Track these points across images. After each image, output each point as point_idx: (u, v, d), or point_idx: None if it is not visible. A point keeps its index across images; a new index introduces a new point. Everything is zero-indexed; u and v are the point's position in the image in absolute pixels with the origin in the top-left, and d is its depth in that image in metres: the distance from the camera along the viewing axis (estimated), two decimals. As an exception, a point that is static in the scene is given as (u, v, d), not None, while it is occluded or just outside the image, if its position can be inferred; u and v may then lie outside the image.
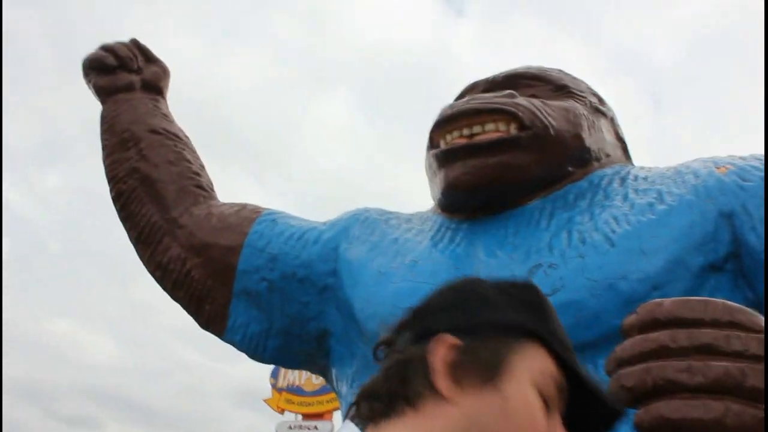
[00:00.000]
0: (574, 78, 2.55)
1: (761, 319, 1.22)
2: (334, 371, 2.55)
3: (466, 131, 2.25)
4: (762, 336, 1.18)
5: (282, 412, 17.54)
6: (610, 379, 1.30)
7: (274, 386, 17.74)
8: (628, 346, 1.27)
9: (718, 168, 2.05)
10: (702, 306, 1.23)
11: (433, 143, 2.37)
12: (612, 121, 2.53)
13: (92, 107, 3.08)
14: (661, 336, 1.23)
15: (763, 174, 1.95)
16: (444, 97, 2.60)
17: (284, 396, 17.54)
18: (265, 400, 17.91)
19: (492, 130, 2.21)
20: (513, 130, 2.20)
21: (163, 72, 3.16)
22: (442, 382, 0.95)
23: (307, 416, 17.27)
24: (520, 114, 2.20)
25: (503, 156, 2.17)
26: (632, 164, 2.47)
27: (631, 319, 1.32)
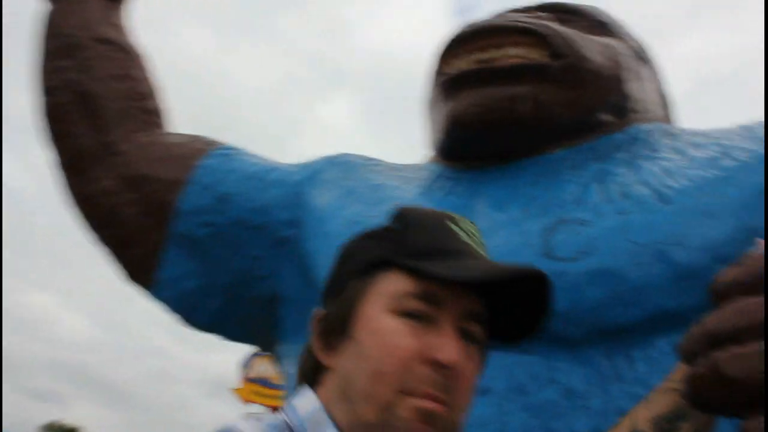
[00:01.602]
0: (616, 19, 2.08)
1: None
2: (283, 346, 2.05)
3: (480, 55, 1.76)
4: None
5: (249, 403, 16.98)
6: (690, 370, 0.83)
7: (244, 376, 17.19)
8: (731, 312, 0.79)
9: (802, 123, 1.58)
10: None
11: (440, 70, 1.88)
12: (656, 75, 2.07)
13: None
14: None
15: None
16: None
17: (253, 387, 16.98)
18: (233, 390, 17.34)
19: (515, 56, 1.73)
20: (540, 57, 1.73)
21: None
22: (321, 355, 0.96)
23: (274, 409, 16.71)
24: (551, 38, 1.72)
25: (526, 87, 1.69)
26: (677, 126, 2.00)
27: (730, 272, 0.84)
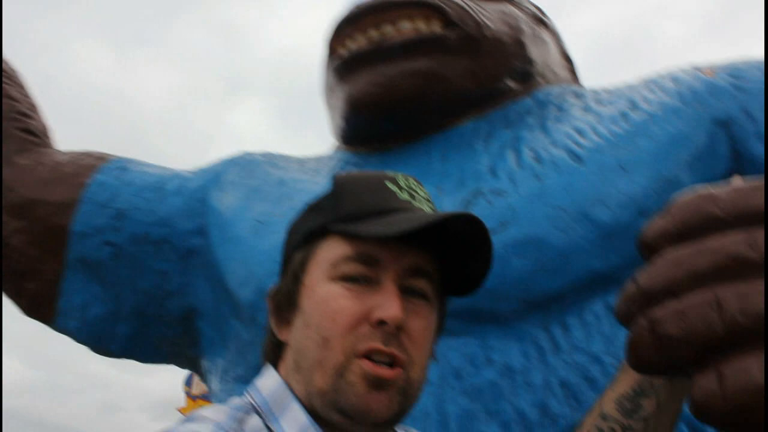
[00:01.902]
0: (509, -15, 2.04)
1: None
2: (204, 363, 1.92)
3: (373, 33, 1.68)
4: None
5: (197, 420, 16.49)
6: (630, 331, 0.77)
7: (188, 394, 16.69)
8: (662, 266, 0.73)
9: (702, 71, 1.57)
10: (786, 189, 0.71)
11: (332, 55, 1.79)
12: (556, 36, 2.03)
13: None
14: (728, 241, 0.69)
15: (763, 73, 1.49)
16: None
17: (198, 403, 16.52)
18: (179, 410, 16.83)
19: (408, 29, 1.66)
20: (436, 28, 1.66)
21: None
22: (277, 331, 0.96)
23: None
24: (444, 7, 1.65)
25: (423, 60, 1.61)
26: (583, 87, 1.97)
27: (657, 224, 0.78)
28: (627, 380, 0.93)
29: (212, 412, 0.86)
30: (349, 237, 0.89)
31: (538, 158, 1.41)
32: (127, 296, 1.91)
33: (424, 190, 0.99)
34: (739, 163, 1.41)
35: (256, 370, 1.66)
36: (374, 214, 0.90)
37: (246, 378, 1.66)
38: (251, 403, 0.89)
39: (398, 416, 0.86)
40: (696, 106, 1.46)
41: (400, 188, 0.94)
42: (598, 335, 1.29)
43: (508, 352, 1.27)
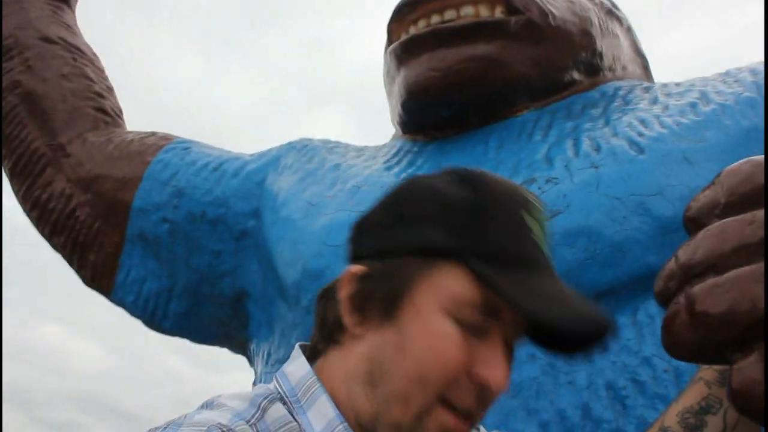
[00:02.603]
0: (583, -23, 1.96)
1: None
2: (252, 346, 1.92)
3: (435, 18, 1.64)
4: None
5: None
6: (668, 311, 0.70)
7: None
8: (706, 238, 0.66)
9: (785, 65, 1.46)
10: None
11: (392, 39, 1.76)
12: (629, 31, 1.94)
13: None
14: (781, 212, 0.62)
15: None
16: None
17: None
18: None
19: (471, 15, 1.61)
20: (499, 13, 1.61)
21: None
22: (347, 318, 0.85)
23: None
24: None
25: (484, 46, 1.57)
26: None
27: (705, 195, 0.71)
28: (695, 393, 0.84)
29: (234, 398, 0.82)
30: (485, 283, 0.78)
31: (597, 147, 1.34)
32: (182, 274, 1.94)
33: (546, 224, 0.87)
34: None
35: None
36: (516, 263, 0.79)
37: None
38: (278, 391, 0.84)
39: None
40: (776, 99, 1.35)
41: (534, 220, 0.83)
42: (650, 337, 1.20)
43: (552, 348, 1.20)
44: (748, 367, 0.59)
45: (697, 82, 1.54)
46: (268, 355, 1.74)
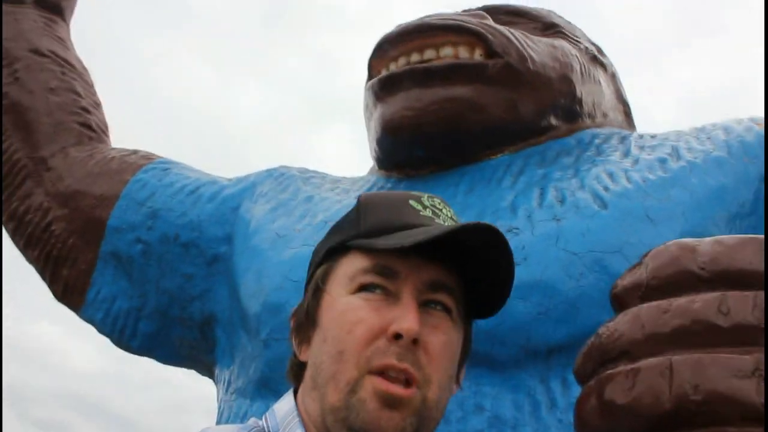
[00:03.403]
0: (569, 21, 1.96)
1: None
2: (216, 371, 1.91)
3: (415, 57, 1.64)
4: None
5: None
6: (581, 390, 0.68)
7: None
8: (624, 322, 0.65)
9: (757, 124, 1.45)
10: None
11: (372, 75, 1.76)
12: (613, 78, 1.94)
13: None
14: (698, 303, 0.61)
15: None
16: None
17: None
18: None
19: (449, 56, 1.61)
20: (478, 56, 1.60)
21: None
22: (297, 351, 0.94)
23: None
24: (489, 36, 1.60)
25: (461, 88, 1.56)
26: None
27: (631, 274, 0.70)
28: None
29: (221, 430, 0.92)
30: (368, 251, 0.88)
31: (562, 199, 1.33)
32: (152, 295, 1.93)
33: (451, 210, 0.96)
34: (788, 227, 1.29)
35: (254, 384, 1.64)
36: (394, 230, 0.88)
37: (244, 391, 1.63)
38: (262, 425, 0.88)
39: None
40: (744, 159, 1.35)
41: (424, 206, 0.93)
42: (602, 395, 1.18)
43: (500, 402, 1.19)
44: None
45: (672, 136, 1.53)
46: (228, 383, 1.73)
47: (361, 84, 1.86)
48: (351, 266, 0.90)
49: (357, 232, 0.92)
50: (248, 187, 1.94)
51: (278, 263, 1.55)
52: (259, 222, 1.75)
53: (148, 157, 2.12)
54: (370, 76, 1.76)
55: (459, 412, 1.20)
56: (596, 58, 1.89)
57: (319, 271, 0.94)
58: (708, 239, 0.66)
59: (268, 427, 0.88)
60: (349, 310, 0.86)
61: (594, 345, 0.67)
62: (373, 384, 0.80)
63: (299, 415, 0.87)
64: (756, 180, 1.32)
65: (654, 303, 0.63)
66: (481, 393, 1.21)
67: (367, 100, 1.76)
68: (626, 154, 1.48)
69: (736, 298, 0.59)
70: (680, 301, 0.62)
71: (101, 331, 2.01)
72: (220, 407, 1.77)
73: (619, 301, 0.69)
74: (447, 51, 1.61)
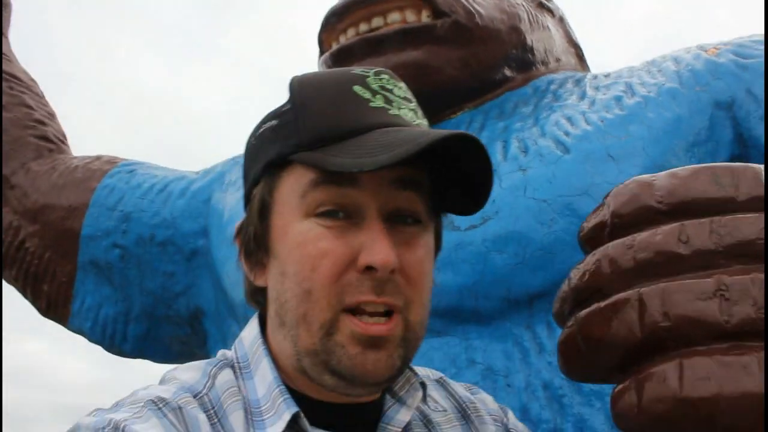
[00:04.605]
0: (512, -29, 1.97)
1: None
2: (212, 363, 1.93)
3: (363, 26, 1.64)
4: None
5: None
6: (562, 331, 0.72)
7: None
8: (592, 263, 0.68)
9: (705, 51, 1.48)
10: (728, 176, 0.64)
11: (323, 50, 1.76)
12: (561, 21, 1.95)
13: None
14: (659, 235, 0.64)
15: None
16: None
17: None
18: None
19: (397, 21, 1.61)
20: (426, 18, 1.61)
21: (3, 5, 2.49)
22: (251, 276, 0.85)
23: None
24: None
25: (413, 52, 1.57)
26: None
27: (596, 215, 0.72)
28: None
29: (188, 369, 0.81)
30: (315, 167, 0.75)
31: (525, 149, 1.35)
32: (136, 297, 1.94)
33: (403, 88, 0.84)
34: (744, 148, 1.32)
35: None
36: (344, 136, 0.75)
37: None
38: (231, 357, 0.83)
39: (402, 369, 0.76)
40: (696, 87, 1.37)
41: (373, 92, 0.79)
42: (586, 333, 1.22)
43: (490, 353, 1.22)
44: (626, 391, 0.61)
45: (624, 73, 1.55)
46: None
47: (314, 56, 1.86)
48: (297, 182, 0.77)
49: (298, 140, 0.77)
50: (216, 177, 1.94)
51: None
52: (233, 211, 1.76)
53: (112, 162, 2.11)
54: (322, 51, 1.76)
55: (453, 368, 1.23)
56: (542, 4, 1.90)
57: (260, 191, 0.81)
58: (664, 173, 0.69)
59: (237, 357, 0.82)
60: (309, 241, 0.75)
61: (567, 288, 0.70)
62: (350, 326, 0.73)
63: (264, 343, 0.81)
64: (709, 106, 1.35)
65: (619, 240, 0.66)
66: (471, 347, 1.24)
67: None
68: (582, 96, 1.50)
69: (693, 226, 0.62)
70: (643, 236, 0.64)
71: (91, 339, 2.02)
72: None
73: (587, 243, 0.72)
74: (394, 16, 1.61)
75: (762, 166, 0.67)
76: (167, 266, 1.89)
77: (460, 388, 0.95)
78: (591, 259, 0.68)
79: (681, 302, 0.59)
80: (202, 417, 0.74)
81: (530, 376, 1.19)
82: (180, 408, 0.73)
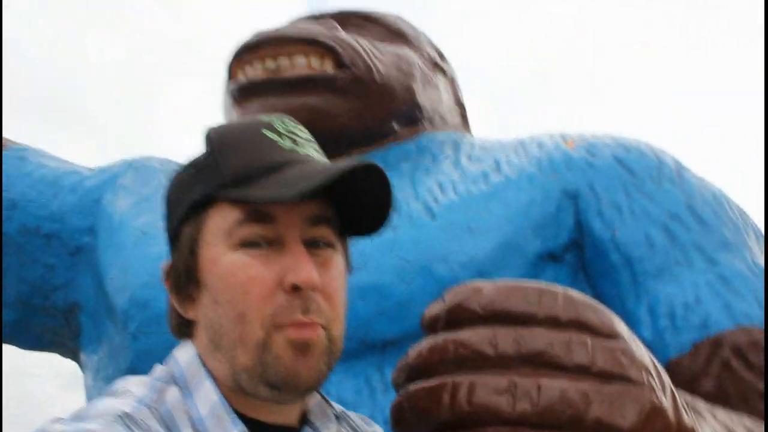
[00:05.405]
0: (415, 27, 2.15)
1: (616, 319, 0.84)
2: (83, 357, 1.99)
3: (270, 64, 1.78)
4: (616, 344, 0.80)
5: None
6: (396, 397, 0.89)
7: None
8: (425, 348, 0.86)
9: (566, 141, 1.71)
10: (536, 295, 0.84)
11: (230, 76, 1.88)
12: (452, 82, 2.16)
13: None
14: (475, 336, 0.82)
15: (614, 152, 1.64)
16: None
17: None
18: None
19: (302, 66, 1.76)
20: (328, 68, 1.76)
21: None
22: (181, 309, 0.92)
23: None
24: (338, 49, 1.76)
25: (312, 97, 1.72)
26: (471, 134, 2.10)
27: (434, 307, 0.90)
28: None
29: (134, 383, 0.87)
30: (237, 201, 0.85)
31: (398, 209, 1.53)
32: (12, 285, 1.96)
33: (304, 131, 0.96)
34: (581, 234, 1.56)
35: (124, 373, 1.74)
36: (262, 173, 0.85)
37: (114, 379, 1.73)
38: (173, 374, 0.88)
39: (325, 377, 0.88)
40: (551, 175, 1.60)
41: (280, 135, 0.90)
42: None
43: (343, 387, 1.39)
44: None
45: (496, 148, 1.76)
46: (97, 370, 1.82)
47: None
48: (223, 219, 0.87)
49: (221, 180, 0.87)
50: (109, 179, 2.00)
51: (143, 260, 1.65)
52: (123, 217, 1.83)
53: (2, 146, 2.12)
54: (229, 79, 1.88)
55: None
56: (437, 65, 2.10)
57: (188, 230, 0.90)
58: (492, 283, 0.87)
59: (175, 376, 0.88)
60: (238, 269, 0.84)
61: (405, 362, 0.87)
62: (284, 336, 0.83)
63: (205, 366, 0.88)
64: (558, 194, 1.57)
65: (445, 334, 0.84)
66: (328, 381, 1.39)
67: (225, 100, 1.88)
68: (456, 164, 1.70)
69: (501, 333, 0.81)
70: (465, 334, 0.83)
71: (-40, 321, 2.02)
72: (88, 393, 1.86)
73: (426, 328, 0.89)
74: (300, 60, 1.76)
75: (565, 288, 0.86)
76: (49, 259, 1.93)
77: (359, 420, 1.07)
78: (425, 344, 0.85)
79: (481, 394, 0.77)
80: None
81: (375, 412, 1.36)
82: (146, 424, 0.79)
